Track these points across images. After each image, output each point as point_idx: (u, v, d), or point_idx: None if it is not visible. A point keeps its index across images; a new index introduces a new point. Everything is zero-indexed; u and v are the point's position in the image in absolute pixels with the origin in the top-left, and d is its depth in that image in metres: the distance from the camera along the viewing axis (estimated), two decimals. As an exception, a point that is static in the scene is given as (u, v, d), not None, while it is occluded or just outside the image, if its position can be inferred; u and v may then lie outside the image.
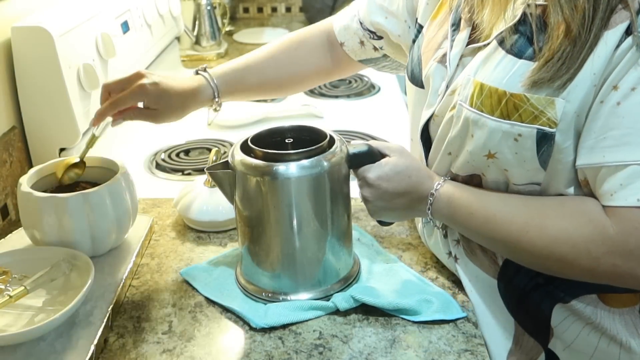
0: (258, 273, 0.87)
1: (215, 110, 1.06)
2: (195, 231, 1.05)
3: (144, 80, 0.96)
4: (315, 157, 0.81)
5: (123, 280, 0.89)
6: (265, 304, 0.85)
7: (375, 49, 1.07)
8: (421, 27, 0.94)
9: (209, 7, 2.02)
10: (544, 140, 0.73)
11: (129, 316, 0.85)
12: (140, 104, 0.99)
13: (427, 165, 0.89)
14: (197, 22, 2.04)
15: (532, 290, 0.82)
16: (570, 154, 0.74)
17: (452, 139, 0.81)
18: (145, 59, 1.56)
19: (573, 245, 0.73)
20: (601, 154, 0.71)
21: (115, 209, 0.91)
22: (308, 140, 0.84)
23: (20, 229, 0.96)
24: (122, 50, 1.37)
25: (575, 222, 0.74)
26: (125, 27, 1.42)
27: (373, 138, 1.40)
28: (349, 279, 0.88)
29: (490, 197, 0.80)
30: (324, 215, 0.83)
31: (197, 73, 1.05)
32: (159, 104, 0.98)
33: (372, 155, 0.84)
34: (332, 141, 0.84)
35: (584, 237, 0.73)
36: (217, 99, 1.04)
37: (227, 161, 0.84)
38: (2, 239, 0.98)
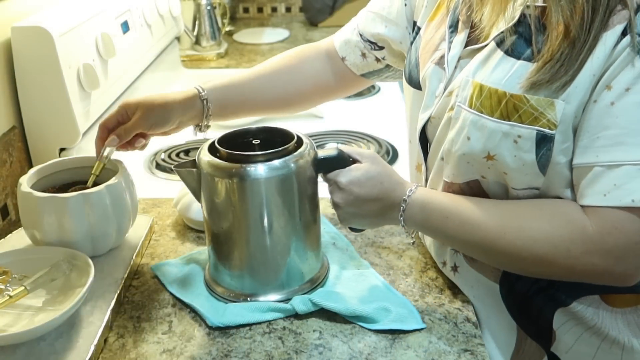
0: (222, 273, 0.87)
1: (205, 127, 1.01)
2: (195, 231, 1.05)
3: (127, 99, 0.96)
4: (282, 159, 0.81)
5: (123, 280, 0.89)
6: (227, 303, 0.85)
7: (377, 60, 1.05)
8: (419, 29, 0.94)
9: (209, 7, 2.02)
10: (543, 143, 0.73)
11: (129, 316, 0.85)
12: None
13: (426, 168, 0.89)
14: (197, 22, 2.04)
15: (534, 295, 0.82)
16: (568, 155, 0.74)
17: (449, 141, 0.81)
18: (145, 59, 1.56)
19: (553, 245, 0.73)
20: (594, 153, 0.71)
21: (115, 209, 0.91)
22: (278, 142, 0.83)
23: (20, 229, 0.96)
24: (122, 50, 1.36)
25: (554, 223, 0.74)
26: (125, 27, 1.42)
27: (373, 138, 1.40)
28: (315, 283, 0.88)
29: (465, 200, 0.80)
30: (289, 217, 0.83)
31: None
32: (140, 106, 0.94)
33: (343, 160, 0.83)
34: (300, 143, 0.84)
35: (564, 237, 0.73)
36: (207, 105, 0.99)
37: (195, 160, 0.84)
38: (2, 239, 0.98)
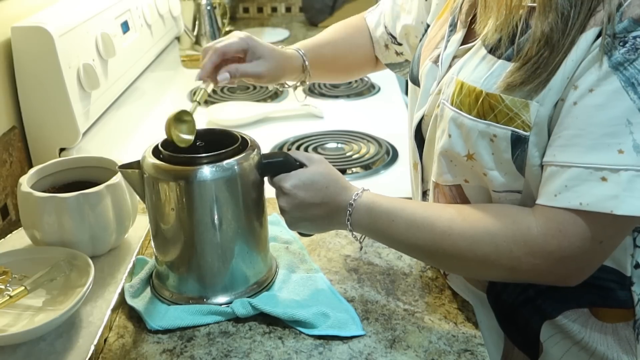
0: (167, 275, 0.87)
1: (303, 82, 1.06)
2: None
3: (238, 33, 0.97)
4: (225, 162, 0.80)
5: (123, 280, 0.89)
6: (170, 305, 0.85)
7: (397, 53, 1.09)
8: (428, 26, 0.95)
9: (209, 7, 2.02)
10: (518, 144, 0.72)
11: (129, 316, 0.85)
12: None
13: (421, 166, 0.89)
14: (197, 22, 2.04)
15: (520, 305, 0.82)
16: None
17: (437, 139, 0.81)
18: (145, 59, 1.56)
19: (496, 245, 0.73)
20: (552, 152, 0.71)
21: (115, 209, 0.91)
22: (223, 145, 0.83)
23: (20, 229, 0.96)
24: (122, 50, 1.36)
25: (498, 223, 0.73)
26: (125, 27, 1.42)
27: (373, 138, 1.40)
28: (261, 286, 0.88)
29: (412, 203, 0.80)
30: (233, 221, 0.83)
31: None
32: (265, 57, 0.97)
33: (288, 164, 0.82)
34: (245, 146, 0.84)
35: (507, 238, 0.72)
36: (305, 63, 1.04)
37: (139, 161, 0.85)
38: (2, 239, 0.98)
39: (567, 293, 0.78)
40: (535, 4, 0.71)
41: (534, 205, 0.73)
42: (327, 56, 1.09)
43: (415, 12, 1.02)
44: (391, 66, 1.12)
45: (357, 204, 0.80)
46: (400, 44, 1.07)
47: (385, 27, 1.08)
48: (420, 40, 0.95)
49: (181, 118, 0.83)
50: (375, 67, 1.17)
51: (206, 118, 1.49)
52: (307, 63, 1.04)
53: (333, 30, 1.12)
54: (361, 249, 0.87)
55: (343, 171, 1.26)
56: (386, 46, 1.10)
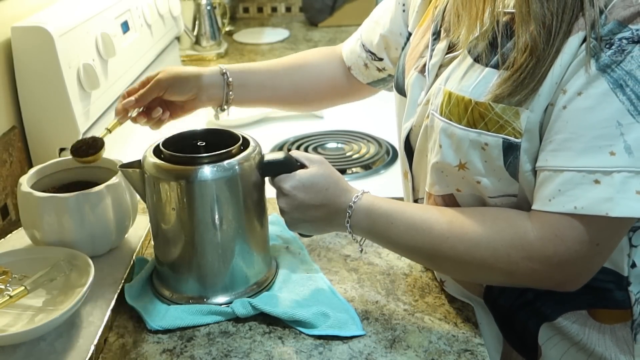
0: (167, 275, 0.87)
1: (226, 103, 1.03)
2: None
3: (159, 75, 0.98)
4: (226, 162, 0.80)
5: (123, 280, 0.89)
6: (170, 305, 0.85)
7: (378, 69, 1.06)
8: (410, 34, 0.94)
9: (209, 7, 2.02)
10: (510, 151, 0.72)
11: (129, 316, 0.85)
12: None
13: (411, 177, 0.89)
14: (197, 22, 2.04)
15: (518, 309, 0.82)
16: (535, 162, 0.73)
17: (429, 150, 0.80)
18: (145, 59, 1.56)
19: (493, 249, 0.72)
20: (545, 157, 0.70)
21: (115, 209, 0.91)
22: (224, 144, 0.83)
23: (20, 229, 0.96)
24: (122, 50, 1.36)
25: (496, 227, 0.73)
26: (125, 27, 1.42)
27: (373, 138, 1.40)
28: (261, 286, 0.88)
29: (411, 206, 0.80)
30: (233, 221, 0.83)
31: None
32: (161, 71, 0.98)
33: (289, 165, 0.82)
34: (246, 146, 0.84)
35: (504, 242, 0.72)
36: (227, 78, 1.01)
37: (140, 160, 0.85)
38: (2, 239, 0.98)
39: (565, 295, 0.78)
40: (514, 10, 0.71)
41: (530, 211, 0.73)
42: (261, 78, 1.06)
43: (390, 25, 1.00)
44: (374, 84, 1.10)
45: (356, 207, 0.80)
46: (380, 59, 1.04)
47: (363, 46, 1.06)
48: (403, 50, 0.94)
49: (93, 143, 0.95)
50: (345, 96, 1.14)
51: (207, 118, 1.49)
52: (229, 79, 1.02)
53: (276, 61, 1.10)
54: (362, 251, 0.87)
55: (343, 171, 1.26)
56: (366, 65, 1.07)
